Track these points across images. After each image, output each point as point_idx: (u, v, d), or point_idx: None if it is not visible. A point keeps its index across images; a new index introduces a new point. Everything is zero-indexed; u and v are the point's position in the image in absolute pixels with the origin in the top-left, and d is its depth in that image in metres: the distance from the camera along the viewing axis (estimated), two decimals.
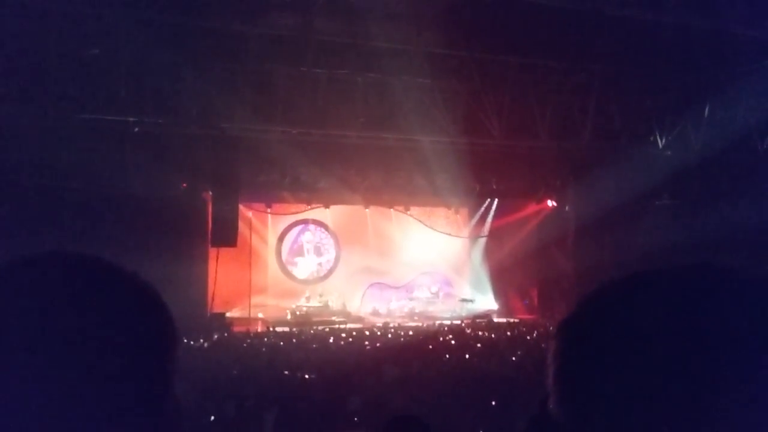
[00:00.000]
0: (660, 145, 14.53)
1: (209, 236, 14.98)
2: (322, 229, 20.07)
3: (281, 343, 11.94)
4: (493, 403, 6.03)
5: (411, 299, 19.67)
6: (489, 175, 16.60)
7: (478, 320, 17.00)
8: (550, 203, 17.97)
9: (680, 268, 0.72)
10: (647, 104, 14.34)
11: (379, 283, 19.88)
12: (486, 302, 19.91)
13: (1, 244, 9.58)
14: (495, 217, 19.80)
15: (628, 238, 14.21)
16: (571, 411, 0.70)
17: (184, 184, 14.69)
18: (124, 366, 0.79)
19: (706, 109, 14.01)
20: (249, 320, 16.91)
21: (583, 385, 0.69)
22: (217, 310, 15.88)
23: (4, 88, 10.89)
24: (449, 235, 20.46)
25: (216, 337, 12.90)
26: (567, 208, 17.18)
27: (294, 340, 12.50)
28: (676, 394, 0.63)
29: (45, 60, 11.07)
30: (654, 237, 13.87)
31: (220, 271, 15.90)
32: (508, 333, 13.43)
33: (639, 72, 13.53)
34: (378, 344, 11.84)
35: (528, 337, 12.17)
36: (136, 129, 12.26)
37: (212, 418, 6.19)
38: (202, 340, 11.95)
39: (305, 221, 19.75)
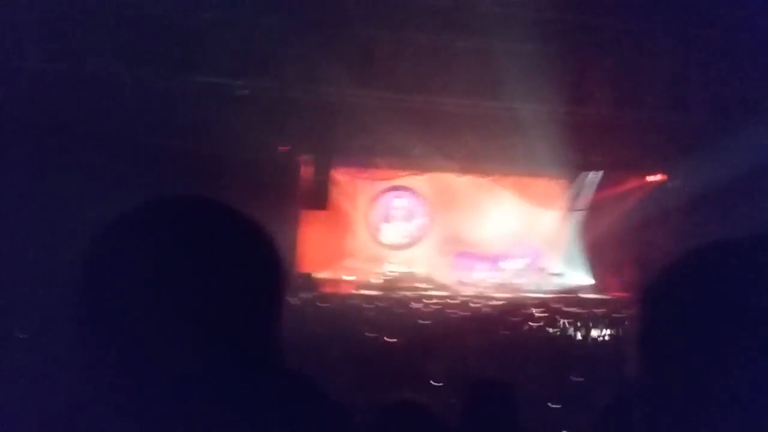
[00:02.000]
0: None
1: (302, 199, 15.34)
2: (415, 196, 20.08)
3: (366, 306, 12.16)
4: (575, 378, 5.89)
5: (500, 270, 19.42)
6: (591, 146, 15.94)
7: (568, 295, 16.57)
8: (656, 178, 17.08)
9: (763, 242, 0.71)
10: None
11: (468, 252, 19.75)
12: (578, 278, 19.36)
13: (109, 199, 10.23)
14: (596, 190, 19.09)
15: (739, 219, 13.32)
16: (652, 375, 0.71)
17: (282, 147, 15.07)
18: (243, 302, 0.87)
19: None
20: (336, 282, 17.30)
21: (662, 351, 0.70)
22: (306, 270, 16.32)
23: (116, 50, 11.50)
24: (545, 207, 19.95)
25: (304, 296, 13.28)
26: (674, 184, 16.30)
27: (379, 304, 12.69)
28: (752, 366, 0.61)
29: (156, 23, 11.58)
30: (764, 217, 12.94)
31: (311, 234, 16.29)
32: (599, 310, 13.04)
33: (764, 41, 12.50)
34: (462, 313, 11.82)
35: (620, 315, 11.75)
36: (241, 92, 12.63)
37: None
38: (290, 299, 12.34)
39: (397, 187, 19.83)
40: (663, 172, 16.77)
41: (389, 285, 17.31)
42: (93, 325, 0.82)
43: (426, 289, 17.05)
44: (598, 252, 19.02)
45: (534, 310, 12.59)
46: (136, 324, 0.80)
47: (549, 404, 5.34)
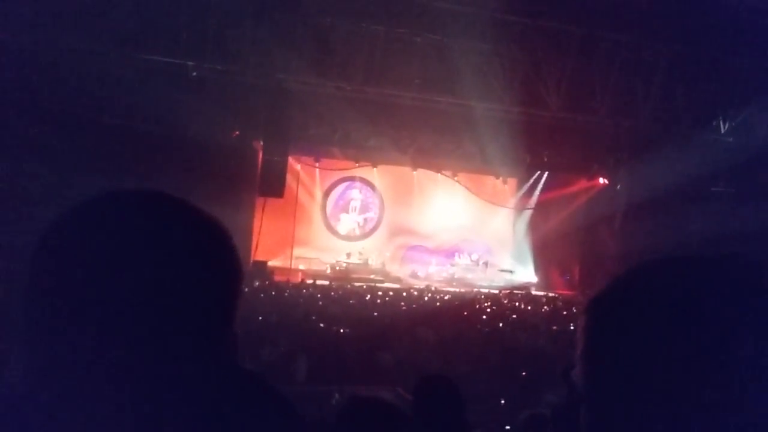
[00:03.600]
0: (722, 131, 14.01)
1: (257, 186, 15.19)
2: (368, 188, 20.13)
3: (319, 296, 12.15)
4: (524, 373, 6.05)
5: (451, 265, 19.68)
6: (541, 147, 16.29)
7: (516, 291, 16.93)
8: (602, 181, 17.59)
9: (713, 257, 0.73)
10: (713, 88, 13.78)
11: (420, 246, 19.95)
12: (526, 275, 19.80)
13: (56, 176, 9.96)
14: (543, 190, 19.52)
15: (679, 224, 13.84)
16: (593, 383, 0.73)
17: (236, 132, 14.88)
18: (196, 297, 0.85)
19: None
20: (290, 271, 17.23)
21: (606, 360, 0.71)
22: (259, 258, 16.20)
23: (67, 26, 11.12)
24: (495, 204, 20.28)
25: (257, 284, 13.19)
26: (618, 187, 16.80)
27: (332, 294, 12.70)
28: (693, 381, 0.64)
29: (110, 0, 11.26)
30: (705, 225, 13.48)
31: (265, 221, 16.17)
32: (546, 307, 13.37)
33: (707, 54, 12.98)
34: (414, 306, 11.94)
35: (565, 313, 12.09)
36: (194, 73, 12.41)
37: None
38: (243, 286, 12.22)
39: (352, 178, 19.83)
40: (608, 175, 17.26)
41: (342, 276, 17.34)
42: (42, 323, 0.81)
43: (379, 281, 17.16)
44: (544, 250, 19.48)
45: (485, 305, 12.82)
46: (86, 321, 0.79)
47: (501, 401, 5.44)
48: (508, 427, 4.15)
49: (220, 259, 0.91)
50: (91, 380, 0.80)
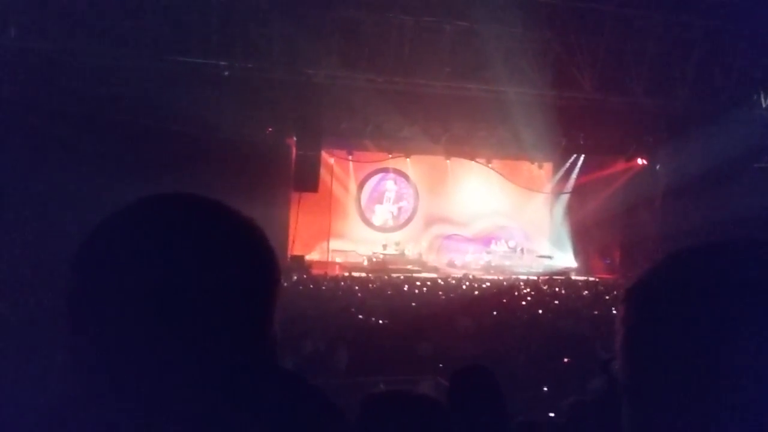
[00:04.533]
0: (763, 105, 13.58)
1: (292, 181, 15.32)
2: (402, 179, 20.11)
3: (357, 288, 12.21)
4: (565, 360, 5.98)
5: (488, 252, 19.56)
6: (577, 129, 16.03)
7: (555, 277, 16.74)
8: (640, 162, 17.24)
9: (756, 242, 0.71)
10: (752, 62, 13.35)
11: (456, 235, 19.87)
12: (565, 260, 19.56)
13: (95, 181, 10.17)
14: (580, 173, 19.21)
15: (721, 202, 13.49)
16: (632, 375, 0.72)
17: (270, 129, 15.01)
18: (235, 298, 0.86)
19: None
20: (327, 264, 17.36)
21: (646, 351, 0.70)
22: (296, 252, 16.35)
23: (99, 29, 11.34)
24: (531, 189, 20.06)
25: (295, 278, 13.31)
26: (658, 167, 16.45)
27: (370, 286, 12.75)
28: (736, 370, 0.63)
29: (139, 2, 11.43)
30: (749, 202, 13.11)
31: (301, 216, 16.30)
32: (586, 292, 13.19)
33: (743, 28, 12.58)
34: (452, 295, 11.90)
35: (606, 297, 11.91)
36: (226, 73, 12.55)
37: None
38: (282, 281, 12.35)
39: (386, 170, 19.83)
40: (646, 156, 16.91)
41: (379, 267, 17.38)
42: (86, 328, 0.83)
43: (416, 272, 17.16)
44: (583, 234, 19.20)
45: (524, 292, 12.72)
46: (128, 324, 0.81)
47: (544, 389, 5.39)
48: (552, 414, 4.12)
49: (256, 259, 0.92)
50: (135, 382, 0.82)
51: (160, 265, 0.83)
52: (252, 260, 0.91)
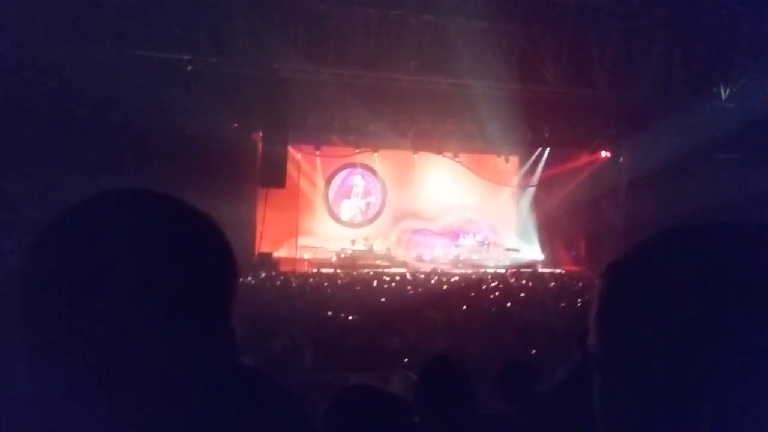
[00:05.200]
0: (723, 97, 13.89)
1: (258, 177, 15.18)
2: (370, 174, 20.10)
3: (326, 284, 12.17)
4: (533, 352, 6.04)
5: (456, 246, 19.68)
6: (542, 122, 16.20)
7: (522, 270, 16.93)
8: (604, 154, 17.50)
9: (734, 225, 0.72)
10: (712, 55, 13.63)
11: (424, 229, 19.95)
12: (532, 252, 19.78)
13: (54, 177, 9.95)
14: (546, 166, 19.44)
15: (683, 193, 13.77)
16: (608, 348, 0.72)
17: (235, 124, 14.84)
18: (190, 295, 0.85)
19: None
20: (295, 261, 17.27)
21: (622, 326, 0.71)
22: (264, 249, 16.23)
23: (60, 23, 11.07)
24: (498, 183, 20.23)
25: (263, 275, 13.21)
26: (621, 159, 16.72)
27: (338, 282, 12.71)
28: (709, 347, 0.64)
29: None
30: (710, 193, 13.41)
31: (268, 213, 16.17)
32: (553, 283, 13.36)
33: (705, 21, 12.83)
34: (421, 289, 11.94)
35: (572, 289, 12.08)
36: (189, 67, 12.36)
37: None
38: (249, 278, 12.26)
39: (353, 165, 19.80)
40: (610, 149, 17.17)
41: (348, 262, 17.36)
42: (39, 323, 0.81)
43: (385, 267, 17.18)
44: (549, 227, 19.45)
45: (492, 285, 12.82)
46: (80, 322, 0.79)
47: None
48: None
49: (212, 254, 0.90)
50: (90, 379, 0.80)
51: (111, 262, 0.81)
52: (206, 255, 0.89)
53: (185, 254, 0.86)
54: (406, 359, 6.22)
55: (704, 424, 0.63)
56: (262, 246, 16.26)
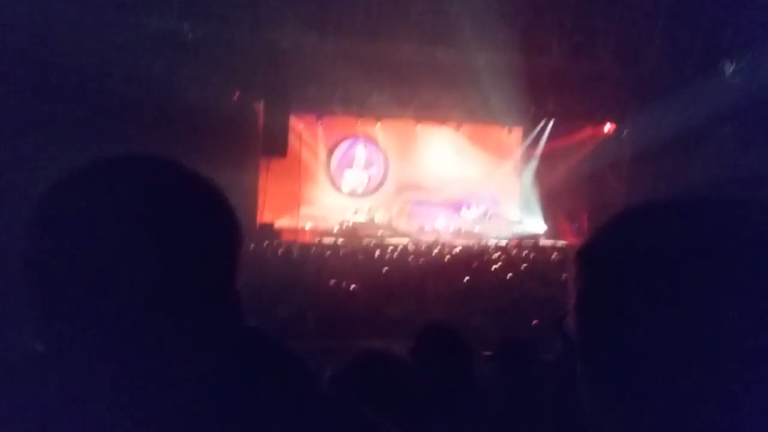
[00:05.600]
0: (728, 72, 13.76)
1: (260, 146, 15.13)
2: (372, 144, 20.00)
3: (328, 254, 12.22)
4: (535, 322, 6.09)
5: (459, 218, 19.67)
6: (545, 94, 16.08)
7: (524, 242, 16.95)
8: (608, 127, 17.40)
9: (707, 198, 0.70)
10: (718, 30, 13.48)
11: (426, 201, 19.91)
12: (534, 225, 19.78)
13: (53, 147, 9.92)
14: (549, 138, 19.31)
15: (687, 167, 13.74)
16: (586, 332, 0.72)
17: (237, 94, 14.74)
18: (194, 259, 0.85)
19: None
20: (297, 230, 17.29)
21: (598, 308, 0.70)
22: (266, 219, 16.25)
23: None
24: (500, 155, 20.15)
25: (265, 244, 13.25)
26: (625, 133, 16.64)
27: (340, 252, 12.76)
28: (687, 328, 0.62)
29: None
30: (714, 166, 13.38)
31: (270, 183, 16.15)
32: (555, 255, 13.40)
33: None
34: (422, 260, 11.98)
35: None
36: (190, 35, 12.24)
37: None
38: (251, 247, 12.30)
39: (355, 135, 19.69)
40: (614, 122, 17.07)
41: (350, 233, 17.38)
42: (46, 289, 0.81)
43: (386, 237, 17.22)
44: (552, 199, 19.42)
45: (494, 256, 12.86)
46: (86, 287, 0.79)
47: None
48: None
49: (215, 217, 0.90)
50: (98, 346, 0.80)
51: (115, 226, 0.81)
52: (210, 217, 0.89)
53: (189, 217, 0.87)
54: (407, 329, 6.26)
55: (685, 406, 0.63)
56: (264, 216, 16.28)
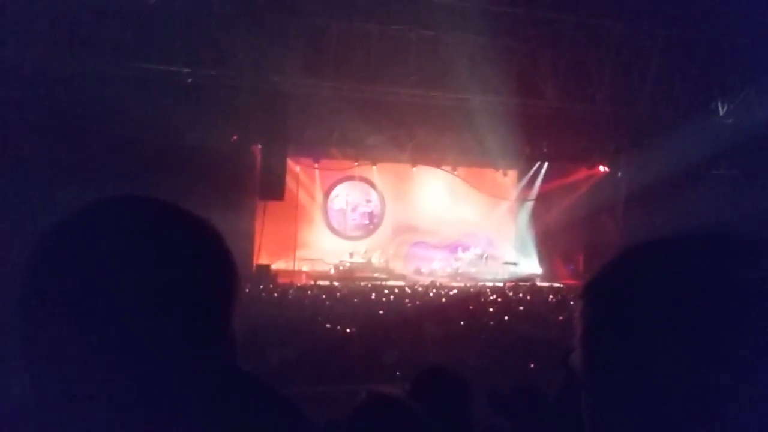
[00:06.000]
0: (721, 113, 13.97)
1: (257, 189, 15.18)
2: (369, 186, 20.10)
3: (324, 297, 12.14)
4: (532, 365, 6.03)
5: (455, 260, 19.63)
6: (540, 137, 16.24)
7: (521, 283, 16.90)
8: (602, 169, 17.55)
9: (708, 236, 0.72)
10: (710, 71, 13.74)
11: (423, 242, 19.91)
12: (530, 266, 19.76)
13: (55, 189, 9.97)
14: (544, 180, 19.47)
15: (681, 208, 13.81)
16: (591, 368, 0.73)
17: (235, 137, 14.86)
18: (191, 301, 0.85)
19: None
20: (293, 273, 17.22)
21: (604, 345, 0.71)
22: (262, 262, 16.20)
23: (61, 35, 11.13)
24: (496, 197, 20.25)
25: (261, 287, 13.18)
26: (619, 174, 16.77)
27: (337, 294, 12.68)
28: (692, 360, 0.64)
29: (102, 8, 11.26)
30: (708, 208, 13.46)
31: (267, 225, 16.16)
32: (551, 297, 13.35)
33: (703, 37, 12.94)
34: (419, 302, 11.92)
35: (571, 303, 12.05)
36: (190, 80, 12.42)
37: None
38: (247, 290, 12.24)
39: (352, 177, 19.79)
40: (608, 163, 17.22)
41: (346, 275, 17.32)
42: (40, 331, 0.81)
43: (383, 279, 17.14)
44: (548, 241, 19.45)
45: (490, 298, 12.80)
46: (83, 328, 0.79)
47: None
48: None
49: (211, 259, 0.91)
50: (90, 385, 0.80)
51: (113, 266, 0.82)
52: (207, 259, 0.89)
53: (186, 258, 0.87)
54: (404, 372, 6.20)
55: None
56: (260, 258, 16.23)
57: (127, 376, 0.81)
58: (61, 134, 11.77)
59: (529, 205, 20.28)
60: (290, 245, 18.13)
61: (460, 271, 19.12)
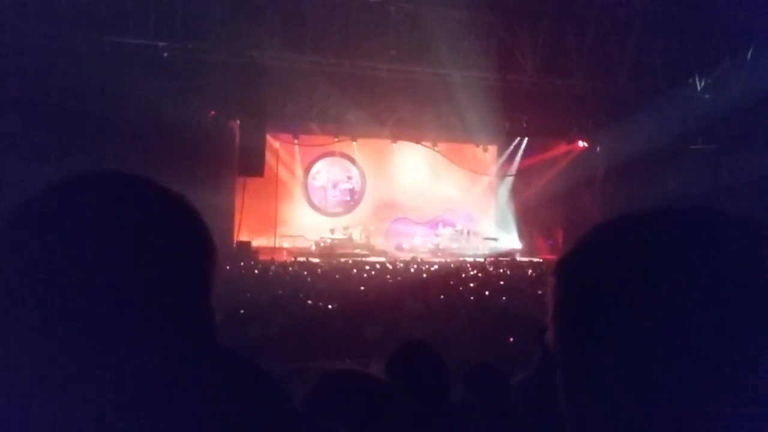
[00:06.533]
0: (698, 88, 14.08)
1: (237, 165, 15.07)
2: (349, 162, 20.05)
3: (305, 273, 12.14)
4: (511, 339, 6.10)
5: (436, 235, 19.74)
6: (520, 112, 16.28)
7: (501, 259, 17.05)
8: (581, 144, 17.66)
9: (679, 210, 0.72)
10: (688, 46, 13.81)
11: (404, 218, 19.98)
12: (510, 241, 19.93)
13: (30, 165, 9.81)
14: (524, 156, 19.57)
15: (659, 182, 13.98)
16: (565, 345, 0.73)
17: (213, 113, 14.69)
18: (167, 277, 0.84)
19: (749, 53, 13.47)
20: (274, 250, 17.21)
21: (577, 321, 0.71)
22: (243, 238, 16.15)
23: (33, 10, 10.86)
24: (476, 172, 20.31)
25: (242, 264, 13.14)
26: (598, 149, 16.89)
27: (318, 271, 12.69)
28: (664, 337, 0.63)
29: None
30: (685, 182, 13.63)
31: (247, 202, 16.08)
32: (531, 272, 13.47)
33: (682, 12, 12.98)
34: (401, 278, 11.97)
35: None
36: (165, 54, 12.21)
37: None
38: (228, 267, 12.19)
39: (332, 153, 19.74)
40: (587, 138, 17.33)
41: (327, 251, 17.32)
42: (11, 309, 0.80)
43: (364, 256, 17.19)
44: (527, 216, 19.60)
45: (471, 274, 12.89)
46: (55, 306, 0.78)
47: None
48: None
49: (187, 234, 0.90)
50: (66, 364, 0.79)
51: (86, 244, 0.80)
52: (181, 235, 0.88)
53: (161, 234, 0.86)
54: (385, 348, 6.23)
55: (666, 416, 0.63)
56: (241, 235, 16.17)
57: (104, 355, 0.80)
58: (33, 110, 11.54)
59: (509, 180, 20.39)
60: (271, 222, 18.08)
61: (440, 246, 19.22)
